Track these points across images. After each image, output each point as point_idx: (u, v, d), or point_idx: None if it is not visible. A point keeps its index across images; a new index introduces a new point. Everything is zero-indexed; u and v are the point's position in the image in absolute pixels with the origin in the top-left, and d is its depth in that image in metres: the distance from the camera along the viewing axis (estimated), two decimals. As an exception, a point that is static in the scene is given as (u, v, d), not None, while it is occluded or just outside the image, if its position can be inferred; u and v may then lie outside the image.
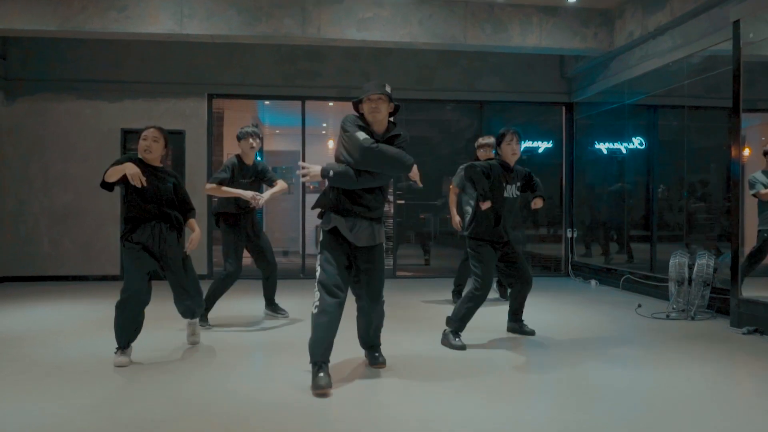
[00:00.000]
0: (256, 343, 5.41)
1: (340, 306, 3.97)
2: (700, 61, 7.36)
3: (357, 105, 4.15)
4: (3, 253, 9.10)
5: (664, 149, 9.09)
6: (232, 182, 5.80)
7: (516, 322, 5.80)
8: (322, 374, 3.89)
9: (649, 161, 9.26)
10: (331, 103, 10.42)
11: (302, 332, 5.26)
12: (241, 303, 7.27)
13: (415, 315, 6.74)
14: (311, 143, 10.21)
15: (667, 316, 6.50)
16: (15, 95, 9.24)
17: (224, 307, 6.77)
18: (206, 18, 7.94)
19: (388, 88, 4.05)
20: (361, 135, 3.97)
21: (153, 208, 4.57)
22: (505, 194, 5.25)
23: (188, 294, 4.85)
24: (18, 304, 7.30)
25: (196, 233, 4.87)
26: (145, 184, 4.38)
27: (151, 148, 4.60)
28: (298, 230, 10.27)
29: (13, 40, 9.18)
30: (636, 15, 7.98)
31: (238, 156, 5.96)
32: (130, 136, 9.51)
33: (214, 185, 5.73)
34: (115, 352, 4.63)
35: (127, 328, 4.61)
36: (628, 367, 4.63)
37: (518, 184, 5.39)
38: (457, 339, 5.17)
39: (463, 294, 5.36)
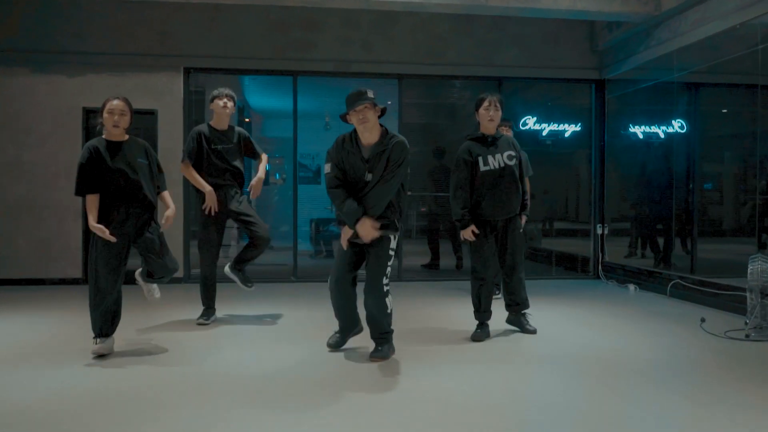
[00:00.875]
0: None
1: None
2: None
3: (345, 118, 4.32)
4: (-56, 252, 7.78)
5: (717, 132, 7.83)
6: (202, 153, 5.47)
7: (515, 315, 5.45)
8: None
9: (691, 146, 7.97)
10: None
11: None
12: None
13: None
14: (304, 128, 8.88)
15: (747, 335, 5.21)
16: (-42, 68, 7.90)
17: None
18: (177, -29, 6.61)
19: (370, 94, 4.19)
20: (327, 168, 4.37)
21: (126, 191, 4.41)
22: (483, 168, 5.01)
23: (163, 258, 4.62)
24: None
25: (170, 209, 4.70)
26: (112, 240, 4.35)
27: (119, 123, 4.40)
28: (290, 224, 8.94)
29: (-45, 3, 7.84)
30: (693, -31, 6.67)
31: (208, 123, 5.59)
32: (93, 116, 8.16)
33: (183, 164, 5.49)
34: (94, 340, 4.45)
35: (106, 318, 4.46)
36: (702, 408, 3.36)
37: (508, 153, 5.07)
38: (477, 330, 5.20)
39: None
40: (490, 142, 5.09)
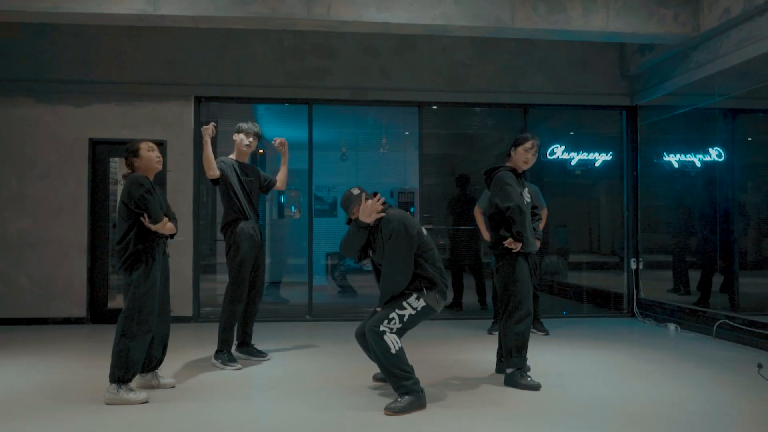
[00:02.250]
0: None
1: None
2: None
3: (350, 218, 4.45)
4: (-58, 291, 7.38)
5: (760, 160, 7.32)
6: (230, 182, 5.35)
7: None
8: None
9: (733, 177, 7.45)
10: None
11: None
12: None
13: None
14: (320, 159, 8.47)
15: (815, 386, 4.65)
16: (-39, 99, 7.59)
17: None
18: (186, -6, 6.26)
19: (355, 191, 4.41)
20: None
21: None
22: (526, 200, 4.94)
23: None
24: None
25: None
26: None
27: (161, 159, 4.60)
28: (305, 258, 8.49)
29: (-41, 32, 7.56)
30: (735, -14, 6.22)
31: (230, 157, 5.54)
32: (100, 148, 7.81)
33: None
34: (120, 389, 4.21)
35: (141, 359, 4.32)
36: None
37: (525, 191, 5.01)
38: (528, 377, 4.70)
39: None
40: (521, 180, 5.06)
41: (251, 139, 5.53)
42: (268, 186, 5.75)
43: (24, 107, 7.66)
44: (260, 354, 5.62)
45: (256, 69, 8.01)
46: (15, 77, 7.66)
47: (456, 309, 8.40)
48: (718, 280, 7.54)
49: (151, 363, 4.52)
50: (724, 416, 4.03)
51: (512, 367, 4.74)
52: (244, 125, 5.57)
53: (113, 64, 7.80)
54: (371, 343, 4.09)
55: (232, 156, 5.56)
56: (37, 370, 5.30)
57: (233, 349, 5.51)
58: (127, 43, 7.79)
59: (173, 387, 4.61)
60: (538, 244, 5.18)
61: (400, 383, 4.05)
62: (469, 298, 8.55)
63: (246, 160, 5.62)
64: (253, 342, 5.68)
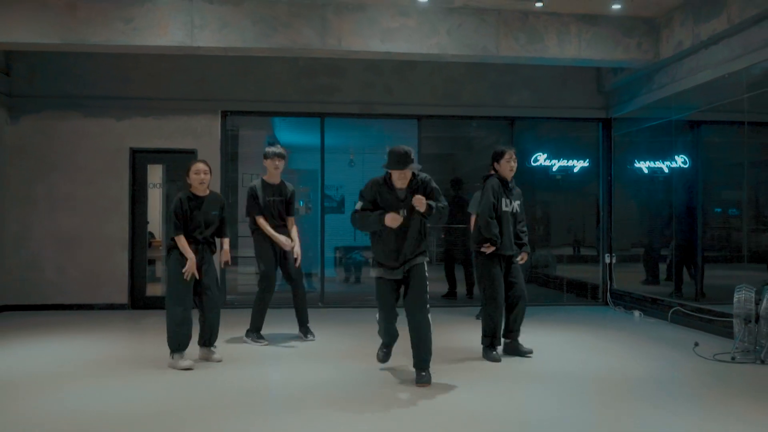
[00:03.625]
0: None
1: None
2: (763, 72, 6.65)
3: (386, 167, 4.93)
4: (4, 279, 8.54)
5: (715, 167, 8.40)
6: (259, 203, 6.38)
7: (511, 341, 5.99)
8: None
9: (695, 181, 8.54)
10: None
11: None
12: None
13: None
14: (329, 162, 9.59)
15: (733, 358, 5.75)
16: (19, 113, 8.73)
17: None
18: (219, 29, 7.37)
19: (413, 156, 4.88)
20: (358, 206, 5.02)
21: (198, 235, 5.47)
22: (504, 208, 5.80)
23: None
24: (18, 338, 6.75)
25: (223, 253, 5.79)
26: (196, 276, 5.47)
27: (205, 181, 5.45)
28: (317, 251, 9.64)
29: (17, 55, 8.68)
30: (686, 23, 7.30)
31: (262, 179, 6.54)
32: (139, 156, 8.95)
33: (258, 219, 6.41)
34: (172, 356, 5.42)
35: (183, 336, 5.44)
36: (689, 424, 3.93)
37: (518, 202, 5.93)
38: (494, 353, 5.79)
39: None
40: (509, 188, 5.90)
41: (276, 162, 6.48)
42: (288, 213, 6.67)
43: (73, 120, 8.80)
44: (308, 335, 6.70)
45: (274, 86, 9.12)
46: (65, 94, 8.80)
47: (450, 298, 9.55)
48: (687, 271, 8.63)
49: (203, 339, 5.64)
50: (662, 381, 5.13)
51: (483, 344, 5.90)
52: (269, 150, 6.51)
53: (150, 82, 8.93)
54: (419, 315, 4.89)
55: (265, 177, 6.53)
56: (89, 345, 6.46)
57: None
58: (162, 65, 8.92)
59: (220, 361, 5.65)
60: (524, 257, 6.04)
61: (427, 360, 4.99)
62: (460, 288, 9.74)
63: (277, 179, 6.53)
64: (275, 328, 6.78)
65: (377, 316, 5.28)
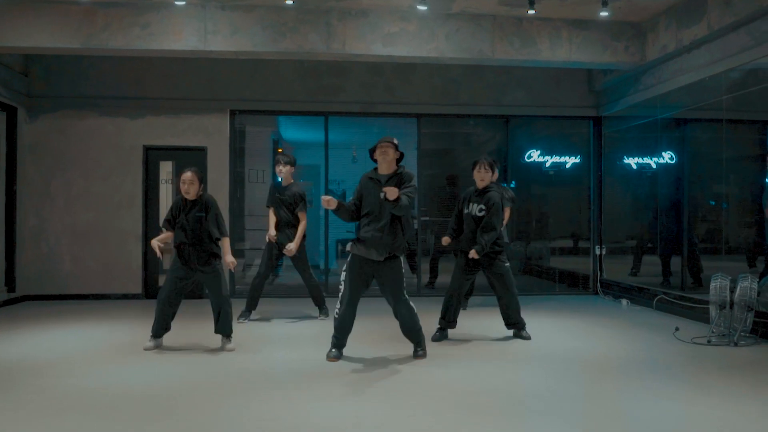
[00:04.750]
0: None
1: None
2: (740, 75, 7.13)
3: (372, 153, 5.55)
4: (24, 271, 9.01)
5: (698, 163, 8.87)
6: (273, 201, 7.39)
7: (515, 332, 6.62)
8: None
9: (680, 175, 9.02)
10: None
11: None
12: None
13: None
14: (332, 157, 10.05)
15: (708, 341, 6.25)
16: (37, 112, 9.17)
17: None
18: (230, 34, 7.83)
19: (395, 141, 5.46)
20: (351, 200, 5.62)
21: (185, 237, 5.88)
22: (465, 211, 6.44)
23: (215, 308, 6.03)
24: (40, 326, 7.18)
25: (227, 257, 6.06)
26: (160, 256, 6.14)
27: (189, 190, 5.88)
28: (320, 244, 10.12)
29: (35, 57, 9.12)
30: (670, 29, 7.76)
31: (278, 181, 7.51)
32: (152, 153, 9.40)
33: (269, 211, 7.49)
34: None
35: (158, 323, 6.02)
36: (662, 399, 4.41)
37: (478, 207, 6.36)
38: (437, 333, 6.47)
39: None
40: (478, 194, 6.43)
41: (279, 167, 7.37)
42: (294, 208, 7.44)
43: (89, 119, 9.25)
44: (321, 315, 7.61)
45: (280, 87, 9.57)
46: (82, 94, 9.24)
47: (430, 287, 10.04)
48: (675, 261, 9.06)
49: (216, 330, 6.10)
50: (644, 361, 5.63)
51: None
52: (279, 158, 7.43)
53: (163, 83, 9.38)
54: (404, 310, 5.51)
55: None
56: (109, 331, 6.94)
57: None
58: (174, 66, 9.36)
59: (232, 350, 6.01)
60: (472, 253, 6.23)
61: (418, 333, 5.68)
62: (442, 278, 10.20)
63: (286, 182, 7.40)
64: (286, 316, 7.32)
65: (337, 304, 5.54)
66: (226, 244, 6.07)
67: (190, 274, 5.95)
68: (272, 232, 7.32)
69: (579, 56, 8.34)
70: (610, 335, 6.81)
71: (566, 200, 11.02)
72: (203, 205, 5.92)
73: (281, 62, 9.46)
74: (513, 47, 8.23)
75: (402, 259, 5.54)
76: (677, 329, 6.71)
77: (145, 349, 5.90)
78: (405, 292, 5.54)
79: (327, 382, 4.86)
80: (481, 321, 7.40)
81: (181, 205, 5.95)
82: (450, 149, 11.52)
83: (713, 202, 8.44)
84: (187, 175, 5.88)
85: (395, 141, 5.47)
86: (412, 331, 5.64)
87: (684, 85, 7.88)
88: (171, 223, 5.96)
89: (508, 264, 6.55)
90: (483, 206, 6.28)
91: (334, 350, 5.60)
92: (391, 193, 5.04)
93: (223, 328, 6.06)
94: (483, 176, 6.37)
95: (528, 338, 6.50)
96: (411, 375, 5.10)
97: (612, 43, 8.38)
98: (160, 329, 6.00)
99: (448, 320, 6.52)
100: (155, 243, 5.89)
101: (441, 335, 6.48)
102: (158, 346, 5.99)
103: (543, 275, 10.92)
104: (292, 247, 7.21)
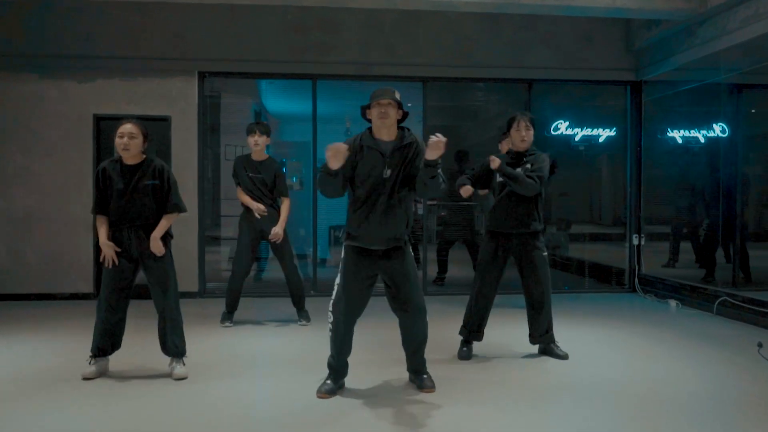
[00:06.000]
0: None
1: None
2: None
3: (364, 112, 4.09)
4: (-50, 266, 7.46)
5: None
6: (243, 180, 6.13)
7: (541, 342, 5.15)
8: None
9: (735, 152, 7.51)
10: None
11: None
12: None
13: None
14: (324, 132, 8.47)
15: (814, 365, 4.74)
16: (-37, 74, 7.58)
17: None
18: (190, -29, 6.22)
19: (397, 95, 4.00)
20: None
21: (122, 216, 4.41)
22: (499, 180, 5.00)
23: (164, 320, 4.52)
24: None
25: (157, 231, 4.45)
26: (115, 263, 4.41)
27: (129, 146, 4.37)
28: (309, 230, 8.57)
29: (-39, 7, 7.51)
30: (744, -38, 6.18)
31: (246, 154, 6.24)
32: (104, 124, 7.82)
33: (240, 191, 6.19)
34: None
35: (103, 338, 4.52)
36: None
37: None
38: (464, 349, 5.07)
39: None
40: (519, 160, 5.02)
41: (255, 138, 6.08)
42: (276, 190, 6.22)
43: (28, 83, 7.65)
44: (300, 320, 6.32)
45: (259, 44, 7.97)
46: (19, 52, 7.64)
47: (439, 283, 8.54)
48: (720, 254, 7.69)
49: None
50: (726, 397, 4.12)
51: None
52: (250, 126, 6.16)
53: (117, 39, 7.77)
54: (420, 322, 4.15)
55: (252, 153, 6.18)
56: (47, 345, 5.40)
57: None
58: (130, 18, 7.74)
59: (181, 378, 4.45)
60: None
61: (424, 360, 4.32)
62: (453, 271, 8.69)
63: (260, 156, 6.16)
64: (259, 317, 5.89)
65: (330, 312, 4.19)
66: (167, 222, 4.51)
67: (131, 266, 4.48)
68: (260, 205, 6.06)
69: (625, 1, 6.74)
70: (668, 352, 5.28)
71: (600, 180, 9.48)
72: (155, 171, 4.47)
73: (260, 14, 7.83)
74: (544, -11, 6.64)
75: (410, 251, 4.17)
76: (761, 345, 5.18)
77: (84, 378, 4.40)
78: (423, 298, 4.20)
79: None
80: (501, 328, 5.87)
81: (111, 174, 4.41)
82: (461, 119, 9.94)
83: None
84: (127, 126, 4.40)
85: (397, 95, 4.02)
86: (419, 351, 4.25)
87: (761, 33, 6.27)
88: (104, 203, 4.43)
89: (546, 253, 5.08)
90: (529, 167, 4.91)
91: (328, 383, 4.14)
92: (437, 146, 3.78)
93: (173, 346, 4.54)
94: (525, 135, 4.96)
95: (564, 357, 5.02)
96: (420, 407, 3.58)
97: (666, -14, 6.80)
98: (102, 347, 4.51)
99: (471, 329, 5.06)
100: (108, 249, 4.39)
101: (468, 351, 5.06)
102: (102, 373, 4.51)
103: (568, 268, 9.41)
104: (278, 230, 6.03)
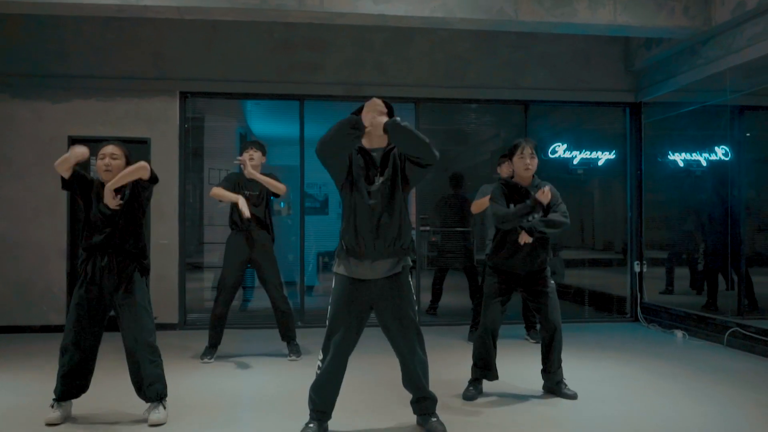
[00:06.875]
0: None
1: None
2: None
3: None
4: None
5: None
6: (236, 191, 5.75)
7: (549, 380, 4.75)
8: None
9: (740, 174, 7.21)
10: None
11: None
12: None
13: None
14: (312, 156, 8.09)
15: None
16: (-69, 94, 7.18)
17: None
18: (170, -16, 5.88)
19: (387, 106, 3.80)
20: None
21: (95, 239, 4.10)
22: None
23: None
24: None
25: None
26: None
27: (111, 167, 4.16)
28: (297, 256, 8.16)
29: (-71, 23, 7.13)
30: (751, -22, 5.91)
31: (241, 171, 5.88)
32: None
33: (216, 188, 5.74)
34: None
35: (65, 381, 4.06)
36: None
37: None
38: (471, 390, 4.64)
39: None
40: (520, 193, 4.65)
41: (250, 153, 5.78)
42: (271, 195, 5.93)
43: (-1, 103, 7.26)
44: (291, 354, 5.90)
45: (244, 63, 7.62)
46: (-11, 71, 7.25)
47: (432, 313, 8.13)
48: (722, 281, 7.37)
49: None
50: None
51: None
52: (245, 144, 5.94)
53: (94, 57, 7.40)
54: (419, 352, 3.78)
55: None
56: (4, 388, 4.94)
57: None
58: (107, 36, 7.39)
59: (158, 425, 4.02)
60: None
61: (431, 397, 3.91)
62: (448, 299, 8.28)
63: (257, 172, 5.79)
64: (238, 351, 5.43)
65: (320, 357, 3.77)
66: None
67: (101, 299, 4.09)
68: (246, 211, 5.53)
69: (626, 18, 6.46)
70: (682, 391, 4.87)
71: (598, 205, 9.15)
72: (129, 188, 4.20)
73: (244, 31, 7.51)
74: (542, 6, 6.34)
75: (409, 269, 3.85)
76: (781, 382, 4.81)
77: (47, 424, 3.98)
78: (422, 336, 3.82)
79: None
80: (506, 364, 5.46)
81: (91, 195, 4.20)
82: (453, 142, 9.60)
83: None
84: (109, 147, 4.21)
85: (388, 106, 3.80)
86: (421, 388, 3.84)
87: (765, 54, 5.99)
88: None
89: (553, 283, 4.73)
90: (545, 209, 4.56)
91: (312, 426, 3.71)
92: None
93: (149, 389, 4.09)
94: (529, 163, 4.60)
95: (573, 396, 4.63)
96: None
97: (668, 2, 6.51)
98: (67, 388, 4.07)
99: (483, 367, 4.67)
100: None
101: (476, 391, 4.66)
102: (66, 417, 4.09)
103: (565, 295, 9.02)
104: (249, 169, 5.68)
